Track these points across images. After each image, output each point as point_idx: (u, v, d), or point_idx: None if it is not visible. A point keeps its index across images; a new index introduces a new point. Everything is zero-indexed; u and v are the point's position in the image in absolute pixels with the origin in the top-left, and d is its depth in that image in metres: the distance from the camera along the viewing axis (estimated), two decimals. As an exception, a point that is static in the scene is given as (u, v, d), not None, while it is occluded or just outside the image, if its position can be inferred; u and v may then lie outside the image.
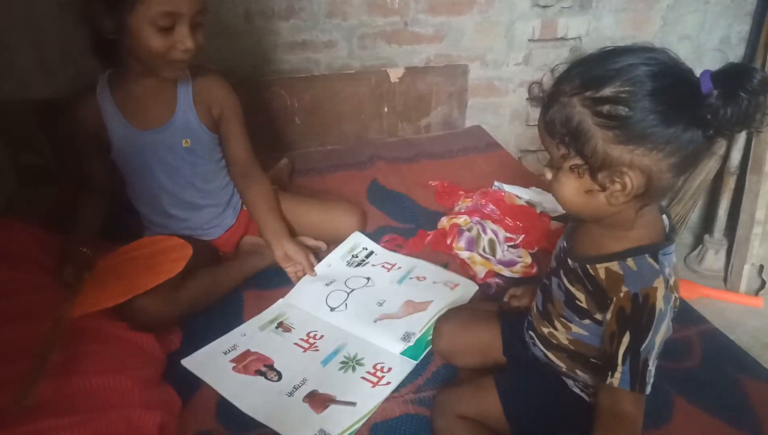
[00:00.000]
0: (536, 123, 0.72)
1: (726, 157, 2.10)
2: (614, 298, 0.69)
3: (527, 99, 0.74)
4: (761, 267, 2.03)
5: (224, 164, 1.29)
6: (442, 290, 1.16)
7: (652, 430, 0.86)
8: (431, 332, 1.03)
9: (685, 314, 1.10)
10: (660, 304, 0.66)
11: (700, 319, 1.09)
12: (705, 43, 2.05)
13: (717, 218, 2.14)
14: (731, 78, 0.59)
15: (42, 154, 1.59)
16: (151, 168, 1.17)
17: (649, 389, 0.68)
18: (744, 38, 2.08)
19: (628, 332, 0.67)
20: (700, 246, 2.19)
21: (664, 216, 0.74)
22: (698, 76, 0.61)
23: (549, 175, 0.72)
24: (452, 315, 1.01)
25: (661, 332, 0.67)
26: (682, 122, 0.61)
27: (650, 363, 0.67)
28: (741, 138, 2.03)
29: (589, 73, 0.64)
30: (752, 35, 2.06)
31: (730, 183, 2.10)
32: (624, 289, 0.68)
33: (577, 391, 0.82)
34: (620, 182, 0.64)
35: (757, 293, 2.01)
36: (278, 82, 1.73)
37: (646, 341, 0.66)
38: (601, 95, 0.62)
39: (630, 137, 0.62)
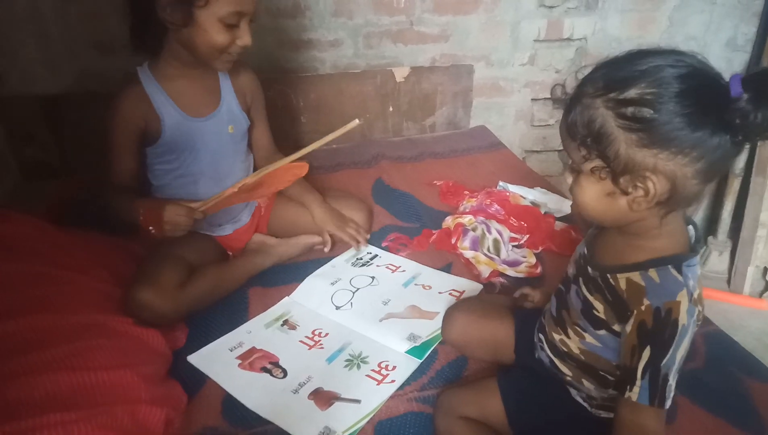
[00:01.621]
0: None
1: (731, 159, 2.10)
2: (635, 311, 0.66)
3: (551, 101, 0.72)
4: (765, 269, 2.03)
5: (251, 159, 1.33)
6: (447, 301, 1.16)
7: (656, 431, 0.86)
8: (437, 340, 1.03)
9: (690, 315, 1.10)
10: (683, 318, 0.64)
11: (704, 321, 1.09)
12: (711, 44, 2.05)
13: (721, 220, 2.14)
14: (762, 81, 0.57)
15: (45, 149, 1.60)
16: (199, 155, 1.21)
17: (669, 404, 0.66)
18: (751, 39, 2.08)
19: (649, 347, 0.65)
20: (704, 248, 2.19)
21: (691, 226, 0.72)
22: (727, 80, 0.59)
23: (569, 180, 0.70)
24: (464, 305, 1.00)
25: (683, 347, 0.65)
26: (709, 126, 0.58)
27: (671, 378, 0.65)
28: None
29: (613, 74, 0.63)
30: (759, 36, 2.06)
31: (735, 185, 2.10)
32: (646, 302, 0.65)
33: (580, 400, 0.81)
34: (643, 187, 0.62)
35: (760, 295, 2.01)
36: (283, 80, 1.74)
37: (667, 357, 0.64)
38: (625, 97, 0.61)
39: (654, 140, 0.60)
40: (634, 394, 0.66)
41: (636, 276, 0.67)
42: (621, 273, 0.69)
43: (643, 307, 0.66)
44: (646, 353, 0.65)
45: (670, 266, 0.66)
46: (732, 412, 0.89)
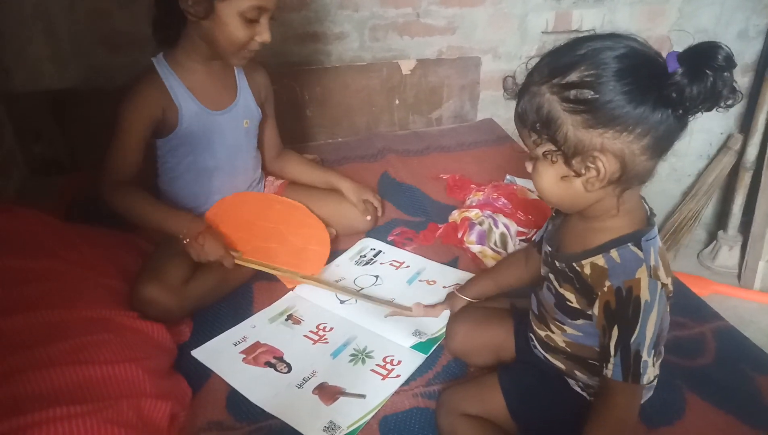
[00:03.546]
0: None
1: (742, 153, 2.08)
2: (599, 293, 0.69)
3: (503, 93, 0.74)
4: (776, 264, 2.01)
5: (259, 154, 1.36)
6: None
7: (664, 427, 0.85)
8: (443, 337, 1.03)
9: (699, 311, 1.09)
10: (645, 295, 0.66)
11: (714, 316, 1.08)
12: (722, 37, 2.02)
13: (731, 214, 2.12)
14: (696, 56, 0.59)
15: (52, 145, 1.60)
16: (214, 148, 1.21)
17: (644, 380, 0.67)
18: (762, 31, 2.05)
19: (616, 326, 0.67)
20: (714, 242, 2.17)
21: (643, 201, 0.74)
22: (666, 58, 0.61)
23: (530, 168, 0.72)
24: (465, 315, 1.00)
25: (651, 322, 0.66)
26: (649, 102, 0.61)
27: (643, 353, 0.66)
28: (758, 133, 2.00)
29: (556, 61, 0.65)
30: (771, 28, 2.03)
31: (746, 179, 2.07)
32: (607, 283, 0.68)
33: (578, 389, 0.81)
34: (594, 167, 0.64)
35: (771, 290, 1.99)
36: (289, 74, 1.72)
37: (635, 334, 0.66)
38: (567, 81, 0.63)
39: (598, 120, 0.62)
40: (609, 370, 0.68)
41: (599, 259, 0.69)
42: (585, 259, 0.71)
43: (605, 288, 0.68)
44: (615, 333, 0.68)
45: (630, 244, 0.68)
46: (741, 409, 0.88)
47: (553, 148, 0.66)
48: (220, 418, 0.90)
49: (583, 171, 0.65)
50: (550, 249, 0.79)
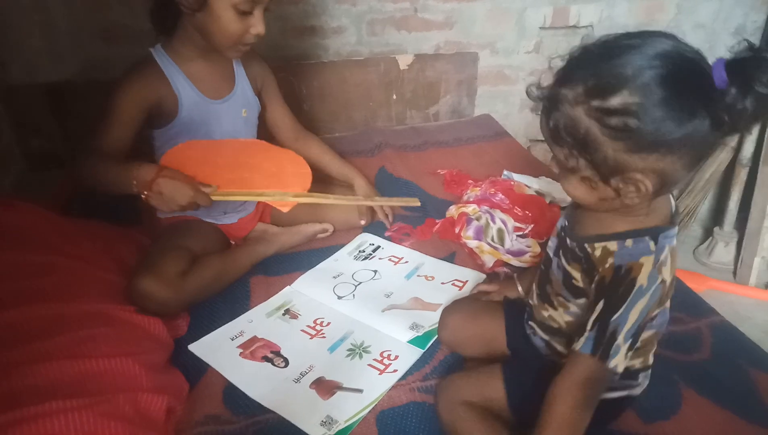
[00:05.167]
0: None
1: (738, 149, 2.08)
2: (599, 270, 0.69)
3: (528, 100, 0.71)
4: (772, 260, 2.01)
5: None
6: (450, 291, 1.15)
7: (661, 421, 0.86)
8: None
9: (695, 306, 1.10)
10: (642, 280, 0.65)
11: (710, 311, 1.08)
12: (720, 32, 2.02)
13: (727, 210, 2.12)
14: (747, 71, 0.56)
15: (50, 139, 1.59)
16: (212, 137, 1.21)
17: (611, 363, 0.67)
18: (760, 27, 2.05)
19: (602, 301, 0.67)
20: (710, 238, 2.17)
21: (671, 197, 0.73)
22: (711, 64, 0.58)
23: (556, 170, 0.70)
24: (458, 306, 1.01)
25: (638, 308, 0.66)
26: (696, 121, 0.58)
27: (619, 337, 0.66)
28: (754, 129, 2.00)
29: (593, 78, 0.61)
30: (768, 24, 2.03)
31: (742, 175, 2.08)
32: (610, 261, 0.68)
33: None
34: (634, 186, 0.63)
35: (766, 287, 2.00)
36: (286, 68, 1.72)
37: (618, 313, 0.66)
38: (608, 106, 0.59)
39: (642, 146, 0.60)
40: (579, 344, 0.68)
41: (612, 245, 0.69)
42: (598, 242, 0.70)
43: (606, 266, 0.68)
44: (599, 307, 0.68)
45: (647, 237, 0.67)
46: (738, 404, 0.88)
47: (591, 172, 0.64)
48: (217, 412, 0.90)
49: (621, 187, 0.63)
50: (566, 223, 0.78)
